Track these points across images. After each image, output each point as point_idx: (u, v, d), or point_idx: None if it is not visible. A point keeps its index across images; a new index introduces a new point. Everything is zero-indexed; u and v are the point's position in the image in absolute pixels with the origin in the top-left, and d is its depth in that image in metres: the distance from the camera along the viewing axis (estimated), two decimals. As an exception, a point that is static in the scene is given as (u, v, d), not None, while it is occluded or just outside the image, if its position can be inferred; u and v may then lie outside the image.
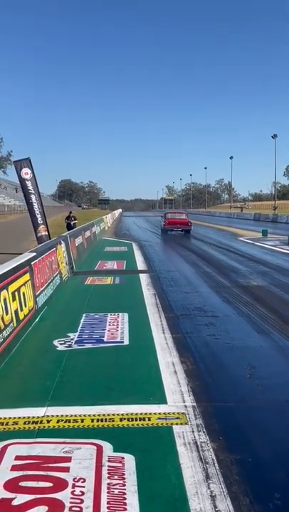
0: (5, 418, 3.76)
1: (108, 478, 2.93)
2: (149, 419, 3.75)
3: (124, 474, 2.97)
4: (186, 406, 3.99)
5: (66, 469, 3.01)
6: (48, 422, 3.71)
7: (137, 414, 3.81)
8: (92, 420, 3.72)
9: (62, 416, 3.79)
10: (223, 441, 3.44)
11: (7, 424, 3.68)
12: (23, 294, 6.22)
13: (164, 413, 3.84)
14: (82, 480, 2.90)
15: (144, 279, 10.74)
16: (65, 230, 19.75)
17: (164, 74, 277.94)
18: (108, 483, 2.87)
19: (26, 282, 6.50)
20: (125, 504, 2.70)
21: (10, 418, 3.76)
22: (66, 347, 5.63)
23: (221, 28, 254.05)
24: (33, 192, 15.30)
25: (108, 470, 3.01)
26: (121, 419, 3.73)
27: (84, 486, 2.84)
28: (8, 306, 5.38)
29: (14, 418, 3.76)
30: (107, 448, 3.28)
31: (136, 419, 3.73)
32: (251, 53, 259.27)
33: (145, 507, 2.68)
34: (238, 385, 4.54)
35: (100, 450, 3.25)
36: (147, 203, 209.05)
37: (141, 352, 5.46)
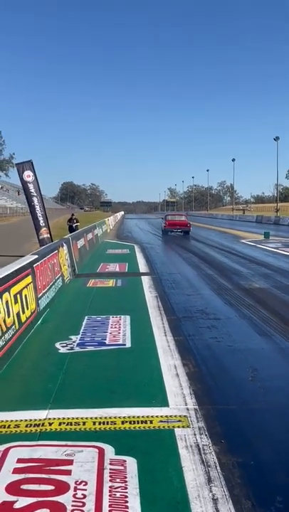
0: (7, 421, 3.76)
1: (110, 481, 2.92)
2: (151, 422, 3.74)
3: (126, 477, 2.97)
4: (188, 409, 3.98)
5: (68, 472, 3.01)
6: (50, 424, 3.71)
7: (138, 417, 3.81)
8: (94, 423, 3.71)
9: (64, 419, 3.79)
10: (225, 444, 3.43)
11: (9, 426, 3.68)
12: (25, 296, 6.23)
13: (166, 416, 3.84)
14: (83, 483, 2.90)
15: (146, 281, 10.74)
16: (67, 232, 19.79)
17: (163, 74, 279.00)
18: (110, 486, 2.87)
19: (28, 285, 6.50)
20: (127, 507, 2.69)
21: (12, 421, 3.76)
22: (68, 349, 5.63)
23: (221, 27, 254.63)
24: (35, 194, 15.33)
25: (110, 473, 3.01)
26: (123, 422, 3.73)
27: (86, 489, 2.84)
28: (10, 308, 5.38)
29: (16, 421, 3.76)
30: (109, 451, 3.27)
31: (138, 422, 3.73)
32: (252, 53, 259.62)
33: (147, 510, 2.68)
34: (240, 388, 4.53)
35: (101, 453, 3.24)
36: (149, 205, 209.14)
37: (143, 354, 5.46)
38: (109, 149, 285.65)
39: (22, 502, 2.72)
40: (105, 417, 3.80)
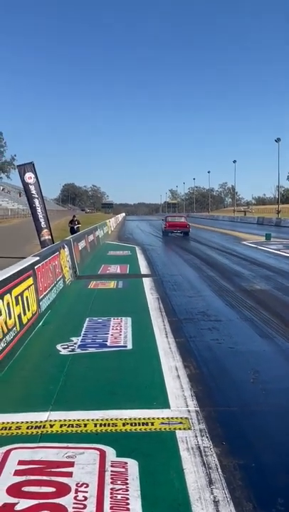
0: (8, 422, 3.76)
1: (111, 483, 2.92)
2: (152, 424, 3.74)
3: (127, 479, 2.97)
4: (189, 411, 3.98)
5: (69, 474, 3.01)
6: (51, 426, 3.71)
7: (140, 418, 3.81)
8: (95, 425, 3.71)
9: (65, 420, 3.79)
10: (226, 446, 3.42)
11: (10, 428, 3.68)
12: (27, 298, 6.24)
13: (167, 418, 3.83)
14: (85, 485, 2.90)
15: (147, 283, 10.74)
16: (69, 233, 19.80)
17: (163, 74, 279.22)
18: (111, 488, 2.86)
19: (29, 286, 6.51)
20: (128, 509, 2.69)
21: (13, 422, 3.76)
22: (69, 351, 5.63)
23: (221, 27, 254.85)
24: (36, 196, 15.35)
25: (111, 475, 3.01)
26: (124, 424, 3.73)
27: (87, 491, 2.84)
28: (11, 310, 5.39)
29: (17, 423, 3.76)
30: (110, 453, 3.27)
31: (139, 424, 3.72)
32: (252, 53, 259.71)
33: (148, 512, 2.67)
34: (241, 390, 4.53)
35: (103, 455, 3.24)
36: (151, 206, 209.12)
37: (144, 356, 5.46)
38: (111, 151, 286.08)
39: (23, 504, 2.71)
40: (106, 419, 3.79)
